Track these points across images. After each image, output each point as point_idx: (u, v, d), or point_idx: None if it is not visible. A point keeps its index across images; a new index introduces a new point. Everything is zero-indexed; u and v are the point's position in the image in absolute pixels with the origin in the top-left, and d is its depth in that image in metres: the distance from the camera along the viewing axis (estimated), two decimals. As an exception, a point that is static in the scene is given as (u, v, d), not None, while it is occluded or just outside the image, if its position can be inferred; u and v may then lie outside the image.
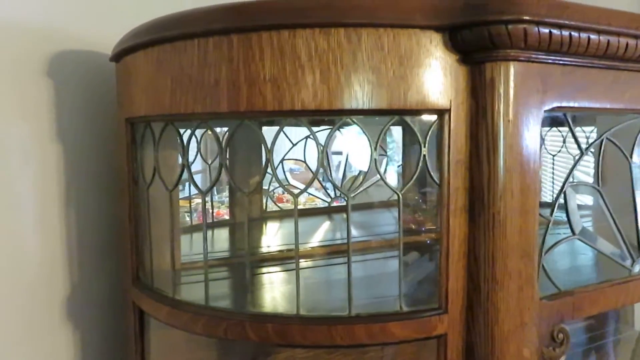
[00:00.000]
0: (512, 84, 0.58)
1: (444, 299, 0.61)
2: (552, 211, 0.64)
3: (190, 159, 1.12)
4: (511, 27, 0.55)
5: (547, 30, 0.56)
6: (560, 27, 0.57)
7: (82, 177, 0.86)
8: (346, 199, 0.61)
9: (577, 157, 0.66)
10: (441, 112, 0.59)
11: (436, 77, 0.58)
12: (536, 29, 0.56)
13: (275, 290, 0.77)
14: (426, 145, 0.60)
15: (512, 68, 0.58)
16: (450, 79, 0.59)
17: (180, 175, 0.67)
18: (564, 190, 0.65)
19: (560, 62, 0.61)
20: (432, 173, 0.61)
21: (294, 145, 1.26)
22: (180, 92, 0.62)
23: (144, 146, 0.72)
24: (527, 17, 0.55)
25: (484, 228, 0.59)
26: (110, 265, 0.88)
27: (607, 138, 0.68)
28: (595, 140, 0.68)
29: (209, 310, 0.63)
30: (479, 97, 0.59)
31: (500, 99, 0.58)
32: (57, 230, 0.83)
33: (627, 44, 0.63)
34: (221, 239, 1.13)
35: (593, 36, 0.60)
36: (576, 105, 0.63)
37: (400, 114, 0.59)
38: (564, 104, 0.62)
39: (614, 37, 0.62)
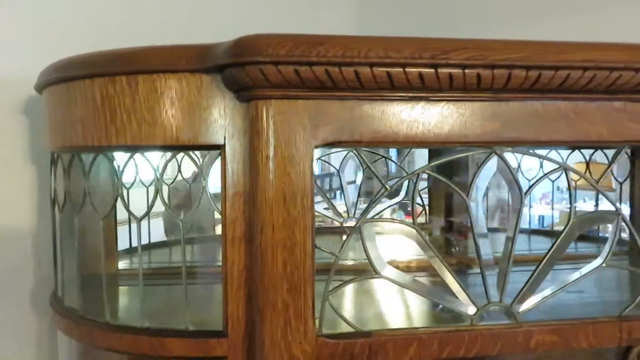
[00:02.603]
0: (271, 121, 0.59)
1: (225, 324, 0.64)
2: (341, 248, 0.62)
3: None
4: (249, 68, 0.57)
5: (291, 69, 0.57)
6: (311, 64, 0.57)
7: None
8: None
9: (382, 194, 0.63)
10: (218, 148, 0.63)
11: (209, 115, 0.62)
12: (275, 69, 0.57)
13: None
14: (207, 177, 0.65)
15: (270, 106, 0.59)
16: (226, 116, 0.62)
17: (83, 201, 0.80)
18: (357, 225, 0.62)
19: (336, 97, 0.60)
20: (214, 204, 0.65)
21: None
22: (50, 130, 0.77)
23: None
24: (260, 59, 0.56)
25: (253, 259, 0.62)
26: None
27: (427, 173, 0.63)
28: (410, 175, 0.63)
29: (67, 312, 0.76)
30: (248, 134, 0.61)
31: (259, 136, 0.60)
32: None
33: (420, 74, 0.59)
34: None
35: (363, 69, 0.58)
36: (364, 139, 0.61)
37: (175, 150, 0.64)
38: (346, 139, 0.61)
39: (397, 69, 0.58)
